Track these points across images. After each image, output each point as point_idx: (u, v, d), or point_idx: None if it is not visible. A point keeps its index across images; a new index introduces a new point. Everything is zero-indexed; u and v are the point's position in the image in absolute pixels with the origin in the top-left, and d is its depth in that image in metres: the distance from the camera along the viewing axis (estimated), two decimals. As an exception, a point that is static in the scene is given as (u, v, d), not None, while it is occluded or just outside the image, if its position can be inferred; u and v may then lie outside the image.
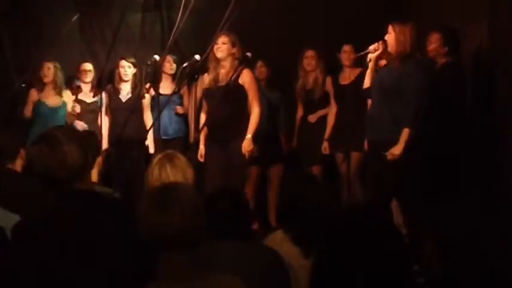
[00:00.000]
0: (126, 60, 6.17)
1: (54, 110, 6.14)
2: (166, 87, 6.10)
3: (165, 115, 6.08)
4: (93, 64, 6.38)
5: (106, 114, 6.21)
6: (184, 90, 6.14)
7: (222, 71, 5.19)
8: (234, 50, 5.18)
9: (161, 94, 5.81)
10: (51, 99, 6.17)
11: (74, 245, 2.23)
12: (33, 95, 6.15)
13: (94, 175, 3.58)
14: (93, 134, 4.44)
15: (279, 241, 2.86)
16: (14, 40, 6.33)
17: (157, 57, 5.59)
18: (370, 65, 4.87)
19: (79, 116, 6.16)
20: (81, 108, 6.21)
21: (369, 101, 4.95)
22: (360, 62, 5.24)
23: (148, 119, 6.18)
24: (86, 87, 6.32)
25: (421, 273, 2.09)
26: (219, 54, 5.14)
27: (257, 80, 5.81)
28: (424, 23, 5.16)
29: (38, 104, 6.11)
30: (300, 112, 6.30)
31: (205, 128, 5.25)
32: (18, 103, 6.14)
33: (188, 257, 2.11)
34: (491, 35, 5.04)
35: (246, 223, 2.78)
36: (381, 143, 4.59)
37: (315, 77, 6.11)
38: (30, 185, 3.08)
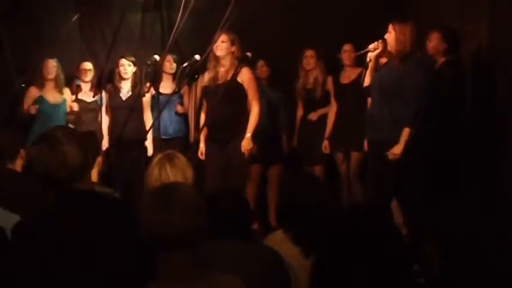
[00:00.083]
0: (126, 59, 6.18)
1: (55, 107, 6.15)
2: (166, 86, 6.10)
3: (165, 115, 6.08)
4: (93, 63, 6.38)
5: (106, 113, 6.21)
6: (184, 89, 6.14)
7: (222, 70, 5.19)
8: (234, 49, 5.18)
9: (161, 93, 5.81)
10: (52, 96, 6.17)
11: (74, 245, 2.23)
12: (33, 92, 6.14)
13: (94, 175, 3.59)
14: (93, 134, 4.45)
15: (279, 241, 2.85)
16: (14, 40, 6.33)
17: (157, 57, 5.59)
18: (370, 64, 4.87)
19: (79, 115, 6.16)
20: (81, 108, 6.21)
21: (369, 100, 4.96)
22: (361, 62, 5.24)
23: (148, 118, 6.18)
24: (85, 87, 6.32)
25: (421, 273, 2.09)
26: (219, 52, 5.14)
27: (258, 79, 5.82)
28: (424, 23, 5.16)
29: (39, 101, 6.10)
30: (300, 111, 6.31)
31: (205, 127, 5.26)
32: (18, 103, 6.14)
33: (188, 256, 2.11)
34: (491, 35, 5.04)
35: (246, 223, 2.78)
36: (381, 143, 4.60)
37: (315, 76, 6.12)
38: (30, 185, 3.08)
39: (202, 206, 2.16)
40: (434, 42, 5.03)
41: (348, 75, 6.00)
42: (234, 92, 5.12)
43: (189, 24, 4.83)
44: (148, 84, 5.77)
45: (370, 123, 4.75)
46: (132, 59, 6.21)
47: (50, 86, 6.18)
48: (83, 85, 6.31)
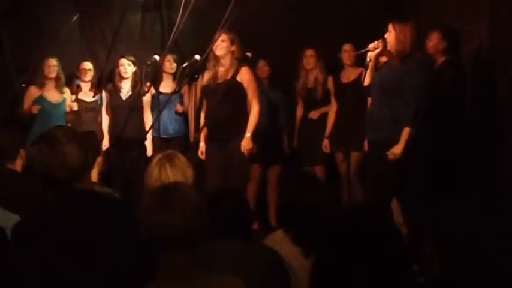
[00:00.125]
0: (126, 58, 6.19)
1: (56, 106, 6.15)
2: (167, 86, 6.11)
3: (165, 114, 6.09)
4: (93, 63, 6.38)
5: (106, 113, 6.22)
6: (184, 89, 6.15)
7: (221, 69, 5.20)
8: (233, 48, 5.18)
9: (161, 93, 5.82)
10: (52, 95, 6.18)
11: (74, 245, 2.23)
12: (33, 91, 6.14)
13: (94, 175, 3.59)
14: (93, 134, 4.44)
15: (279, 241, 2.85)
16: (14, 40, 6.33)
17: (157, 57, 5.60)
18: (370, 63, 4.87)
19: (79, 115, 6.16)
20: (82, 108, 6.21)
21: (369, 100, 4.96)
22: (361, 62, 5.25)
23: (148, 118, 6.19)
24: (85, 87, 6.32)
25: (421, 273, 2.09)
26: (218, 52, 5.14)
27: (259, 79, 5.82)
28: (424, 23, 5.16)
29: (40, 100, 6.10)
30: (299, 111, 6.31)
31: (205, 127, 5.26)
32: (18, 103, 6.14)
33: (189, 256, 2.11)
34: (491, 35, 5.04)
35: (246, 223, 2.78)
36: (381, 143, 4.59)
37: (315, 76, 6.13)
38: (30, 185, 3.08)
39: (203, 206, 2.16)
40: (434, 41, 5.03)
41: (348, 75, 6.00)
42: (233, 91, 5.13)
43: (189, 24, 4.82)
44: (148, 84, 5.78)
45: (370, 123, 4.75)
46: (132, 58, 6.22)
47: (50, 85, 6.18)
48: (82, 85, 6.31)
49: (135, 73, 6.22)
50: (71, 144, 2.34)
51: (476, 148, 4.94)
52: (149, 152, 6.03)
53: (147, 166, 3.18)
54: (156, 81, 5.89)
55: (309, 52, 6.11)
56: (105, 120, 6.21)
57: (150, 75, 5.77)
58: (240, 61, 5.18)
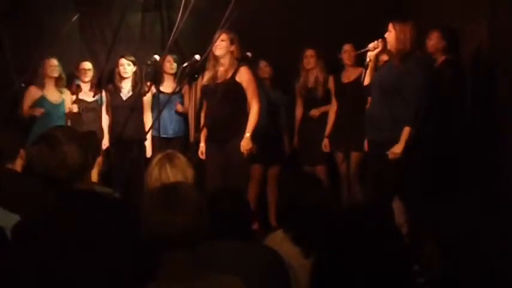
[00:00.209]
0: (126, 58, 6.19)
1: (56, 106, 6.16)
2: (167, 86, 6.12)
3: (165, 114, 6.09)
4: (92, 63, 6.38)
5: (107, 113, 6.22)
6: (185, 89, 6.15)
7: (221, 69, 5.19)
8: (233, 48, 5.18)
9: (162, 92, 5.81)
10: (53, 95, 6.18)
11: (74, 245, 2.23)
12: (33, 91, 6.14)
13: (94, 175, 3.59)
14: (93, 134, 4.45)
15: (279, 241, 2.85)
16: (14, 40, 6.32)
17: (157, 57, 5.60)
18: (370, 63, 4.88)
19: (79, 115, 6.16)
20: (82, 108, 6.21)
21: (369, 100, 4.96)
22: (361, 62, 5.25)
23: (148, 118, 6.19)
24: (85, 87, 6.31)
25: (421, 273, 2.09)
26: (218, 51, 5.14)
27: (260, 79, 5.82)
28: (424, 23, 5.16)
29: (41, 101, 6.10)
30: (299, 111, 6.30)
31: (205, 127, 5.26)
32: (18, 103, 6.14)
33: (189, 256, 2.11)
34: (491, 35, 5.04)
35: (246, 223, 2.78)
36: (381, 143, 4.59)
37: (315, 75, 6.13)
38: (30, 185, 3.08)
39: (204, 205, 2.16)
40: (433, 40, 5.04)
41: (348, 75, 6.00)
42: (232, 91, 5.12)
43: (189, 24, 4.82)
44: (148, 84, 5.78)
45: (370, 122, 4.75)
46: (132, 58, 6.22)
47: (50, 85, 6.19)
48: (82, 85, 6.30)
49: (135, 73, 6.22)
50: (71, 144, 2.34)
51: (476, 148, 4.94)
52: (148, 153, 6.02)
53: (147, 166, 3.18)
54: (157, 81, 5.90)
55: (309, 52, 6.12)
56: (105, 120, 6.21)
57: (150, 75, 5.77)
58: (240, 61, 5.18)
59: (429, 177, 4.59)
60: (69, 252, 2.21)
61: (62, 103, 6.20)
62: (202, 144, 5.33)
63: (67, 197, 2.35)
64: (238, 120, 5.14)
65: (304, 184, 3.02)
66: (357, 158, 5.65)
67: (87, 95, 6.29)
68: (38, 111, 6.01)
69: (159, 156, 3.15)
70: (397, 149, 4.48)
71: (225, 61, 5.19)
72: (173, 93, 5.72)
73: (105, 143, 6.10)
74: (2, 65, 6.17)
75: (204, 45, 5.00)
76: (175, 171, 3.04)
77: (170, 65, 6.26)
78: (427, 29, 5.10)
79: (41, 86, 6.14)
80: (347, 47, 5.97)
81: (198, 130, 5.39)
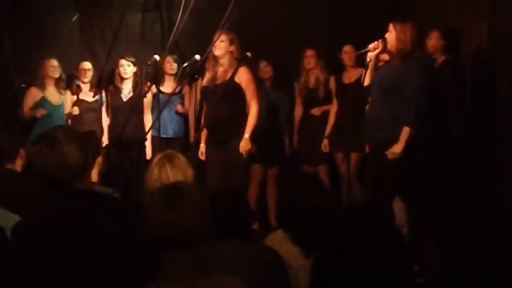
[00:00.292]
0: (126, 59, 6.17)
1: (57, 107, 6.16)
2: (168, 86, 6.11)
3: (166, 114, 6.09)
4: (92, 63, 6.37)
5: (107, 113, 6.22)
6: (185, 89, 6.15)
7: (220, 70, 5.19)
8: (232, 48, 5.17)
9: (162, 92, 5.80)
10: (53, 96, 6.19)
11: (74, 245, 2.23)
12: (34, 92, 6.14)
13: (94, 175, 3.58)
14: (93, 134, 4.44)
15: (279, 241, 2.85)
16: (14, 40, 6.33)
17: (157, 57, 5.60)
18: (370, 64, 4.88)
19: (80, 116, 6.16)
20: (83, 108, 6.20)
21: (369, 100, 4.96)
22: (362, 62, 5.25)
23: (148, 119, 6.18)
24: (85, 87, 6.31)
25: (421, 273, 2.09)
26: (217, 52, 5.13)
27: (261, 79, 5.82)
28: (424, 23, 5.16)
29: (42, 102, 6.10)
30: (299, 111, 6.30)
31: (205, 127, 5.26)
32: (18, 103, 6.13)
33: (190, 256, 2.11)
34: (491, 35, 5.04)
35: (246, 223, 2.78)
36: (380, 143, 4.59)
37: (316, 76, 6.12)
38: (30, 185, 3.08)
39: (206, 205, 2.16)
40: (433, 40, 5.05)
41: (349, 76, 6.00)
42: (232, 92, 5.12)
43: (189, 24, 4.82)
44: (148, 84, 5.77)
45: (370, 122, 4.75)
46: (132, 59, 6.20)
47: (51, 86, 6.19)
48: (82, 85, 6.30)
49: (135, 74, 6.21)
50: (71, 144, 2.34)
51: (476, 148, 4.94)
52: (148, 154, 6.01)
53: (147, 166, 3.18)
54: (157, 81, 5.90)
55: (309, 52, 6.11)
56: (105, 119, 6.21)
57: (150, 75, 5.77)
58: (240, 61, 5.17)
59: (429, 177, 4.59)
60: (69, 252, 2.21)
61: (62, 104, 6.20)
62: (202, 145, 5.33)
63: (67, 197, 2.35)
64: (238, 121, 5.14)
65: (304, 184, 3.02)
66: (357, 158, 5.65)
67: (87, 95, 6.28)
68: (39, 113, 6.01)
69: (159, 156, 3.15)
70: (396, 148, 4.48)
71: (225, 61, 5.18)
72: (173, 93, 5.72)
73: (104, 139, 6.09)
74: (2, 65, 6.17)
75: (204, 45, 5.00)
76: (175, 171, 3.04)
77: (170, 65, 6.26)
78: (427, 29, 5.10)
79: (42, 87, 6.14)
80: (347, 48, 5.97)
81: (198, 131, 5.39)
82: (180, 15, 4.50)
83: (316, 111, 6.17)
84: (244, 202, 2.84)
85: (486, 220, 1.98)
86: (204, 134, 5.32)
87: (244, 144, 5.08)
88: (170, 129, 6.26)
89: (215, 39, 4.91)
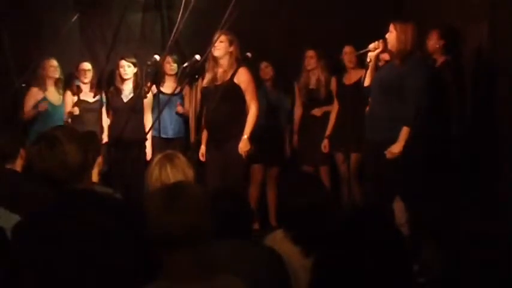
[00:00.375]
0: (126, 60, 6.16)
1: (57, 107, 6.17)
2: (168, 86, 6.11)
3: (166, 115, 6.08)
4: (92, 63, 6.37)
5: (107, 114, 6.21)
6: (186, 90, 6.15)
7: (220, 70, 5.18)
8: (232, 49, 5.17)
9: (162, 92, 5.79)
10: (54, 96, 6.19)
11: (74, 245, 2.23)
12: (34, 92, 6.14)
13: (94, 175, 3.58)
14: (93, 134, 4.44)
15: (279, 241, 2.86)
16: (14, 40, 6.32)
17: (157, 57, 5.59)
18: (370, 64, 4.88)
19: (80, 116, 6.16)
20: (83, 108, 6.20)
21: (370, 100, 4.96)
22: (362, 63, 5.25)
23: (148, 120, 6.17)
24: (85, 87, 6.30)
25: (421, 273, 2.09)
26: (217, 52, 5.12)
27: (259, 80, 5.81)
28: (424, 23, 5.16)
29: (42, 102, 6.11)
30: (298, 111, 6.29)
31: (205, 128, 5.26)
32: (18, 103, 6.13)
33: (193, 256, 2.10)
34: (491, 35, 5.04)
35: (246, 223, 2.78)
36: (380, 143, 4.59)
37: (317, 76, 6.11)
38: (30, 185, 3.08)
39: (208, 204, 2.16)
40: (433, 40, 5.05)
41: (350, 77, 5.98)
42: (232, 92, 5.11)
43: (189, 24, 4.82)
44: (148, 84, 5.77)
45: (370, 122, 4.75)
46: (133, 60, 6.18)
47: (51, 86, 6.19)
48: (82, 86, 6.30)
49: (136, 74, 6.20)
50: (71, 144, 2.34)
51: (476, 148, 4.94)
52: (148, 154, 6.01)
53: (147, 166, 3.18)
54: (157, 82, 5.89)
55: (310, 53, 6.10)
56: (105, 119, 6.20)
57: (150, 75, 5.77)
58: (240, 62, 5.17)
59: (429, 178, 4.58)
60: (69, 252, 2.21)
61: (62, 104, 6.21)
62: (202, 147, 5.33)
63: (67, 197, 2.36)
64: (237, 121, 5.13)
65: (304, 184, 3.02)
66: (357, 158, 5.65)
67: (87, 95, 6.27)
68: (42, 107, 6.03)
69: (159, 156, 3.15)
70: (395, 148, 4.47)
71: (224, 62, 5.18)
72: (173, 93, 5.71)
73: (104, 137, 6.07)
74: (2, 65, 6.17)
75: (204, 45, 5.00)
76: (175, 171, 3.04)
77: (170, 66, 6.25)
78: (427, 29, 5.10)
79: (42, 87, 6.15)
80: (347, 49, 5.95)
81: (198, 132, 5.39)
82: (180, 15, 4.50)
83: (317, 111, 6.17)
84: (244, 202, 2.84)
85: (486, 220, 1.99)
86: (204, 135, 5.32)
87: (243, 145, 5.07)
88: (170, 129, 6.25)
89: (214, 39, 4.91)
